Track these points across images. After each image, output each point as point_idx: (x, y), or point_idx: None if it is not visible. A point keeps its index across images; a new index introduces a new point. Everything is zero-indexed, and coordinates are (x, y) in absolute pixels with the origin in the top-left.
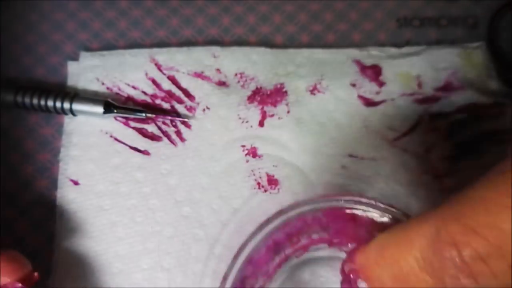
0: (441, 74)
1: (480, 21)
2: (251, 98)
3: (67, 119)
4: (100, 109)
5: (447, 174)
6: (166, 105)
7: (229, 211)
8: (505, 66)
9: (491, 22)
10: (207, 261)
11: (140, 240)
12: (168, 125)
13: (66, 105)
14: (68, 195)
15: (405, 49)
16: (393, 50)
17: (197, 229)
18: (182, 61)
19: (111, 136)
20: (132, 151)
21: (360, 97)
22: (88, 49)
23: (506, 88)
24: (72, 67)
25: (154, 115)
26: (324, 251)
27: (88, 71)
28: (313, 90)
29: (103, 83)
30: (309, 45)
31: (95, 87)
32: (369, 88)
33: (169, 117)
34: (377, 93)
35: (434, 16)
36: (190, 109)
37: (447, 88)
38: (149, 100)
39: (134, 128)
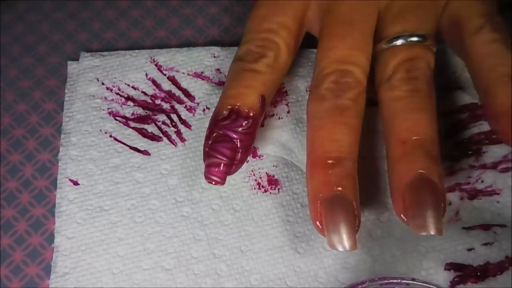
0: (441, 74)
1: None
2: None
3: (66, 118)
4: None
5: (447, 174)
6: (166, 105)
7: (229, 211)
8: None
9: None
10: (208, 262)
11: (140, 241)
12: (168, 125)
13: None
14: (68, 195)
15: None
16: None
17: (198, 229)
18: (182, 62)
19: (110, 136)
20: (132, 151)
21: None
22: (88, 49)
23: None
24: (72, 67)
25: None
26: None
27: (88, 71)
28: None
29: (103, 83)
30: (309, 45)
31: (95, 87)
32: (369, 88)
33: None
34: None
35: None
36: (190, 109)
37: (447, 88)
38: (149, 100)
39: (134, 128)
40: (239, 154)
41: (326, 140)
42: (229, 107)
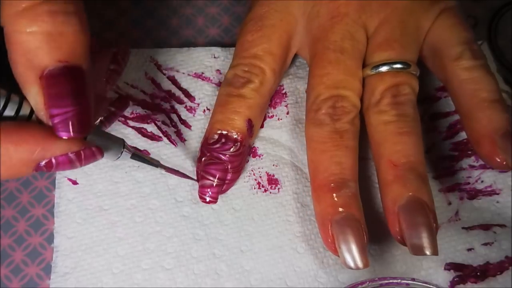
0: None
1: (480, 21)
2: None
3: None
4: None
5: (447, 174)
6: (165, 105)
7: (229, 211)
8: (505, 66)
9: (491, 22)
10: (208, 261)
11: (140, 240)
12: (168, 125)
13: None
14: (67, 195)
15: None
16: None
17: (198, 229)
18: (182, 62)
19: None
20: None
21: None
22: None
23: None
24: None
25: (166, 170)
26: None
27: None
28: None
29: None
30: None
31: None
32: None
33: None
34: None
35: None
36: (190, 109)
37: (446, 89)
38: (148, 99)
39: (133, 127)
40: (230, 174)
41: (329, 163)
42: (218, 131)
